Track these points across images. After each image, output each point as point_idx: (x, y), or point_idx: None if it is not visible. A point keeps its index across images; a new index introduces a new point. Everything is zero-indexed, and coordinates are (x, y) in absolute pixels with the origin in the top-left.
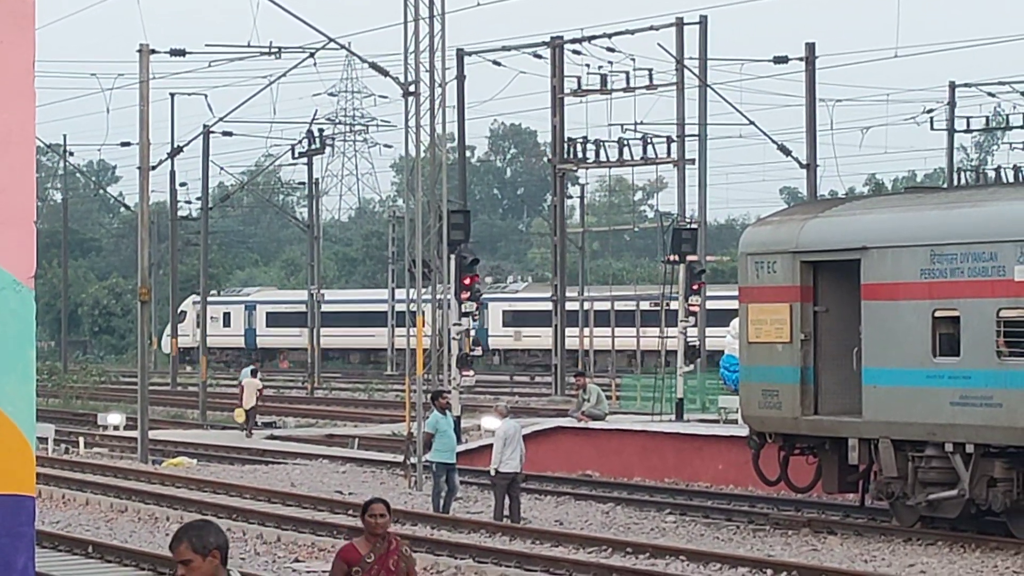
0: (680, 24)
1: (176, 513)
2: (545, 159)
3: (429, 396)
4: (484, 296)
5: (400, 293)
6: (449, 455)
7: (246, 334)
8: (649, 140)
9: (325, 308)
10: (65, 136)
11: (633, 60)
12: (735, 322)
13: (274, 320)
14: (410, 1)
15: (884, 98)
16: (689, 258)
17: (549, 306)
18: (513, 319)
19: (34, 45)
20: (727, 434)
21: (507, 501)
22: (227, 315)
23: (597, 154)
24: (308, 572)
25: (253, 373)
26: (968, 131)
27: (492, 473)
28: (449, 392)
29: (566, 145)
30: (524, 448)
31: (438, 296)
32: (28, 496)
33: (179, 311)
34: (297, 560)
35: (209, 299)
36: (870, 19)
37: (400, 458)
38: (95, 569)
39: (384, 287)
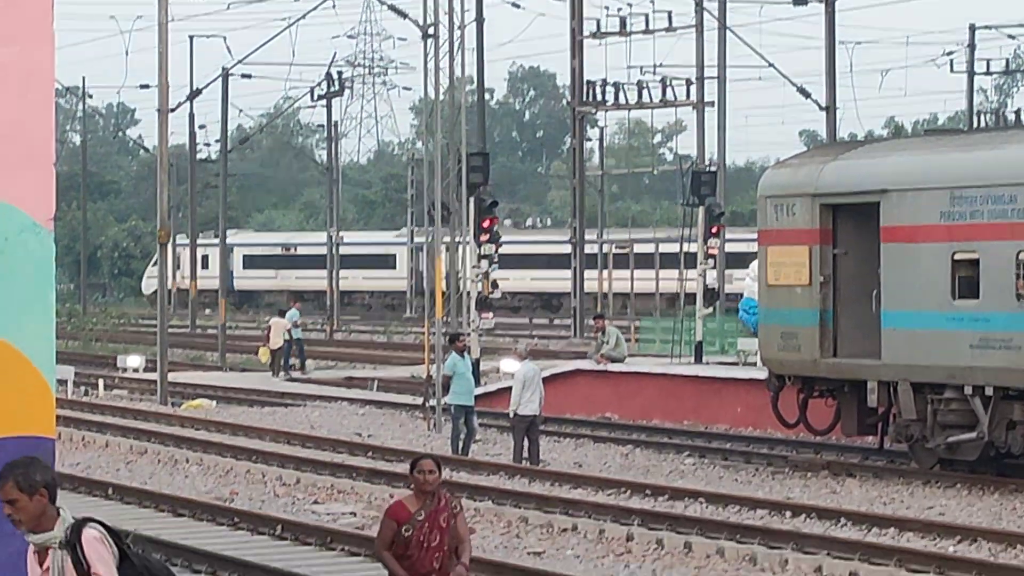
0: None
1: (196, 455)
2: (564, 102)
3: (447, 339)
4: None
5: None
6: (467, 397)
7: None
8: (668, 82)
9: (344, 251)
10: (84, 78)
11: (652, 2)
12: (754, 264)
13: (251, 263)
14: None
15: (904, 40)
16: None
17: (533, 248)
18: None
19: None
20: (746, 377)
21: (526, 443)
22: (205, 258)
23: (616, 96)
24: (328, 514)
25: (281, 313)
26: (988, 73)
27: (511, 415)
28: (467, 335)
29: (585, 88)
30: (543, 391)
31: (456, 239)
32: (48, 438)
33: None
34: (316, 502)
35: (187, 243)
36: None
37: (419, 400)
38: (115, 511)
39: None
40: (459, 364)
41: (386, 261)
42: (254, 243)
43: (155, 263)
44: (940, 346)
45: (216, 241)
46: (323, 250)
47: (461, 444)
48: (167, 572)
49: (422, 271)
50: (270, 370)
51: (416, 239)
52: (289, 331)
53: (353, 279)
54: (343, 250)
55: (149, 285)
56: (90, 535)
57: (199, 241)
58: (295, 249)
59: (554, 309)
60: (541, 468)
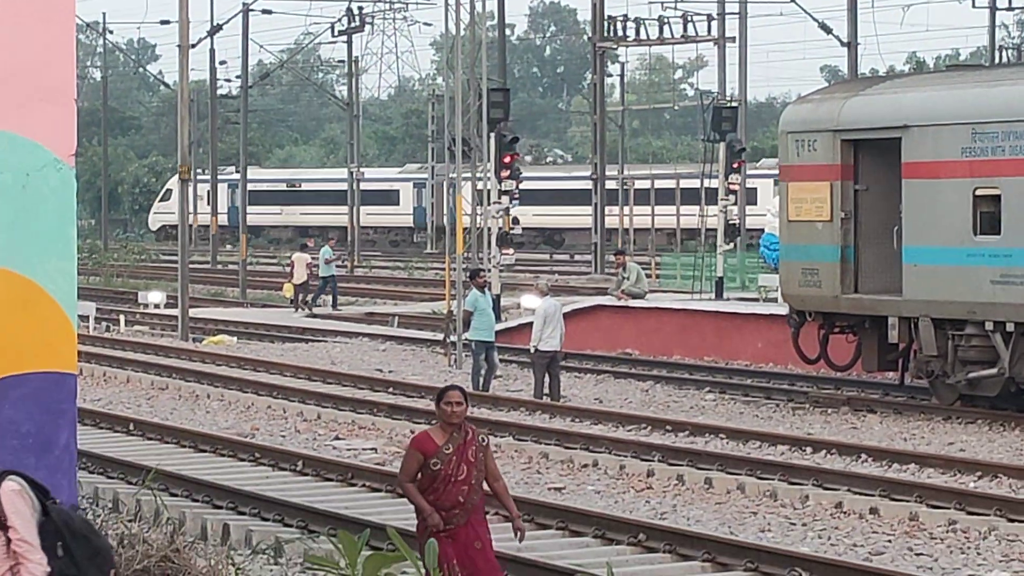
0: None
1: (217, 391)
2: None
3: (468, 274)
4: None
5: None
6: (488, 333)
7: (229, 212)
8: (689, 18)
9: (364, 186)
10: (104, 14)
11: None
12: (775, 200)
13: (256, 199)
14: None
15: None
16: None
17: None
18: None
19: None
20: (767, 312)
21: (547, 379)
22: (210, 193)
23: (637, 32)
24: (348, 449)
25: (302, 248)
26: (1010, 9)
27: (532, 351)
28: (488, 271)
29: (606, 23)
30: (564, 327)
31: (478, 174)
32: (70, 373)
33: (165, 189)
34: (338, 438)
35: (195, 178)
36: None
37: (440, 336)
38: (136, 446)
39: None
40: (480, 300)
41: (389, 197)
42: (259, 179)
43: (162, 199)
44: (961, 282)
45: (219, 177)
46: (328, 186)
47: (482, 380)
48: (89, 529)
49: (424, 207)
50: (292, 306)
51: (418, 175)
52: (310, 267)
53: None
54: (344, 186)
55: (155, 221)
56: (8, 487)
57: (203, 176)
58: (299, 185)
59: (556, 244)
60: (561, 404)
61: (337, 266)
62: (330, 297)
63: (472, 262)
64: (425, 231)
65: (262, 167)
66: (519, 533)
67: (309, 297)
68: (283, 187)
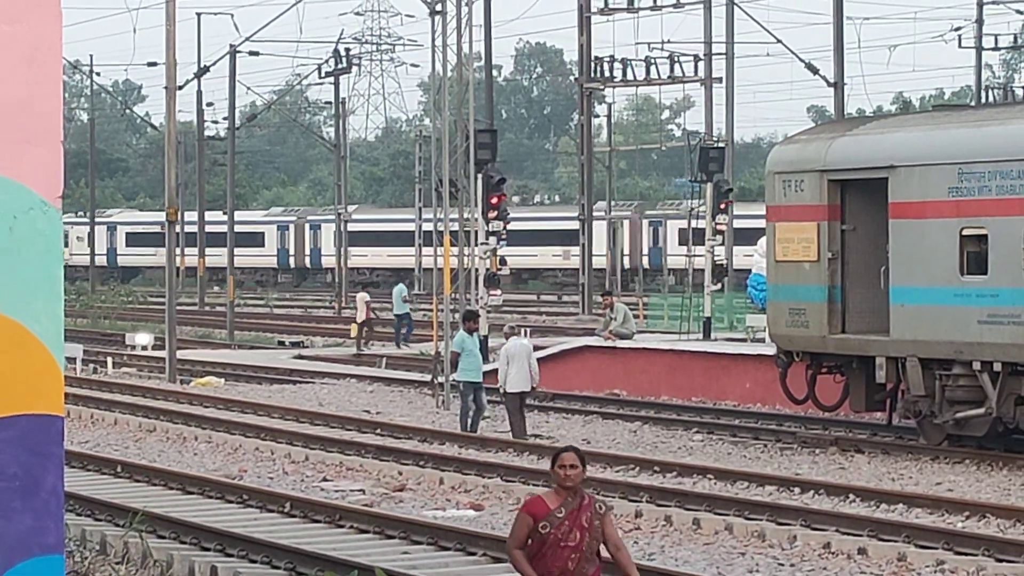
0: None
1: (204, 432)
2: (572, 78)
3: (462, 315)
4: (312, 218)
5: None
6: (475, 374)
7: (108, 253)
8: (676, 59)
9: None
10: (92, 56)
11: None
12: (763, 241)
13: (134, 240)
14: None
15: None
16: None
17: (374, 227)
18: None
19: None
20: (754, 353)
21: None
22: (90, 235)
23: (624, 73)
24: (337, 490)
25: (363, 287)
26: (996, 49)
27: (501, 392)
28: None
29: (593, 64)
30: (535, 366)
31: (465, 216)
32: (57, 416)
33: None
34: (325, 479)
35: (74, 220)
36: None
37: (428, 377)
38: (124, 488)
39: (411, 206)
40: (467, 341)
41: (255, 239)
42: (135, 221)
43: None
44: (948, 322)
45: (97, 220)
46: (196, 228)
47: (470, 421)
48: None
49: (287, 248)
50: (355, 344)
51: (285, 217)
52: (369, 306)
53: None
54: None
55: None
56: None
57: (82, 219)
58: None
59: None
60: (549, 444)
61: (324, 307)
62: (405, 332)
63: (460, 303)
64: (291, 273)
65: (125, 210)
66: None
67: (365, 332)
68: (158, 228)
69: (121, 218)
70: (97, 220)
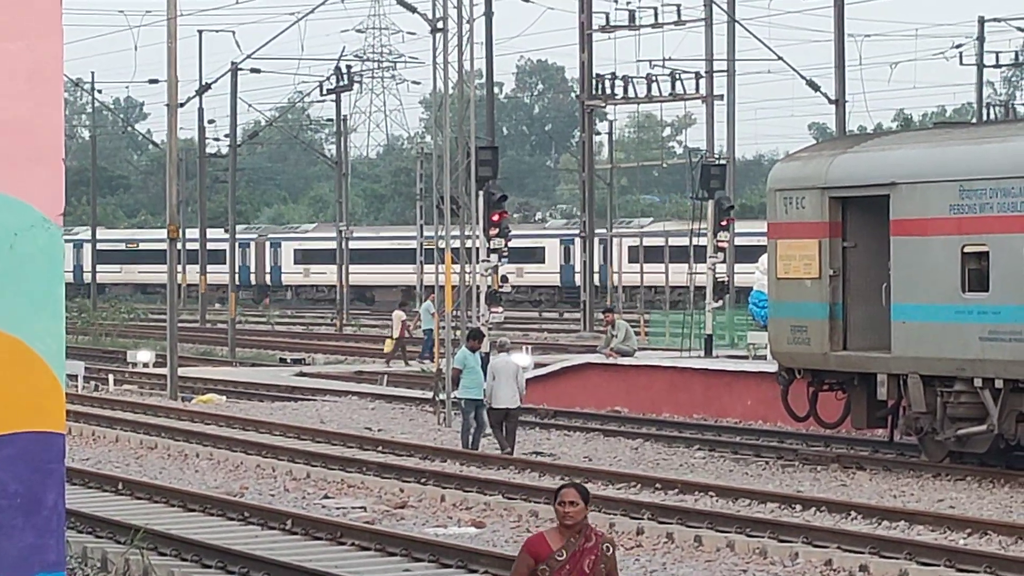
0: None
1: (206, 450)
2: (573, 95)
3: (467, 333)
4: (273, 236)
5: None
6: (477, 391)
7: (74, 271)
8: (677, 76)
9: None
10: (93, 73)
11: None
12: (764, 258)
13: (98, 257)
14: None
15: (913, 33)
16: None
17: (333, 244)
18: (303, 257)
19: None
20: (756, 370)
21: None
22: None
23: (625, 90)
24: (338, 508)
25: (400, 306)
26: (997, 66)
27: (487, 407)
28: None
29: (594, 81)
30: (523, 385)
31: (466, 233)
32: (58, 433)
33: None
34: (327, 496)
35: (67, 237)
36: None
37: (429, 395)
38: (125, 505)
39: (412, 223)
40: (469, 358)
41: (217, 256)
42: (101, 239)
43: None
44: (950, 339)
45: (68, 238)
46: (163, 246)
47: (471, 438)
48: None
49: (248, 266)
50: (385, 361)
51: (245, 235)
52: (405, 324)
53: (191, 273)
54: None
55: None
56: None
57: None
58: (138, 244)
59: (367, 301)
60: (551, 462)
61: (325, 325)
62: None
63: (462, 321)
64: (252, 289)
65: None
66: None
67: (400, 351)
68: (123, 246)
69: (86, 236)
70: (65, 238)
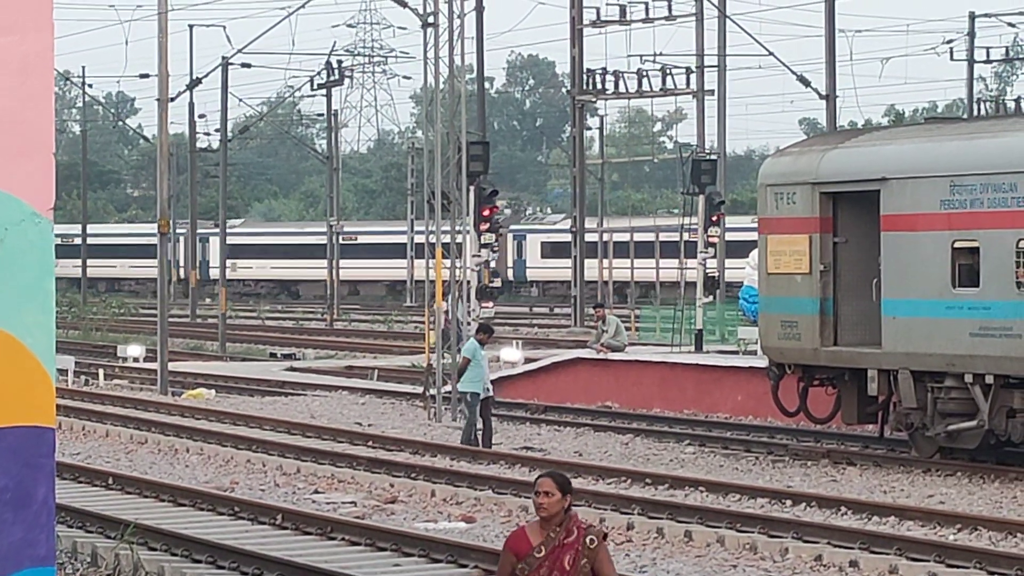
0: None
1: (196, 444)
2: (564, 90)
3: (477, 326)
4: (201, 231)
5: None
6: (478, 385)
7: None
8: (668, 71)
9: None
10: (84, 67)
11: None
12: (755, 253)
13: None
14: None
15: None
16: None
17: (261, 240)
18: (230, 252)
19: None
20: (746, 365)
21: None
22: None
23: (616, 85)
24: (328, 503)
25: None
26: (988, 61)
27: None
28: (468, 324)
29: (585, 76)
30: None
31: (457, 227)
32: (48, 428)
33: None
34: (317, 491)
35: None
36: None
37: (419, 389)
38: (115, 500)
39: (403, 218)
40: (478, 351)
41: (146, 251)
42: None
43: None
44: (940, 334)
45: None
46: (97, 240)
47: (478, 435)
48: None
49: (176, 260)
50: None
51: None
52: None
53: (121, 267)
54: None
55: None
56: None
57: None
58: (72, 240)
59: (292, 295)
60: (541, 457)
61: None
62: None
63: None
64: (182, 283)
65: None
66: None
67: None
68: (58, 241)
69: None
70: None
